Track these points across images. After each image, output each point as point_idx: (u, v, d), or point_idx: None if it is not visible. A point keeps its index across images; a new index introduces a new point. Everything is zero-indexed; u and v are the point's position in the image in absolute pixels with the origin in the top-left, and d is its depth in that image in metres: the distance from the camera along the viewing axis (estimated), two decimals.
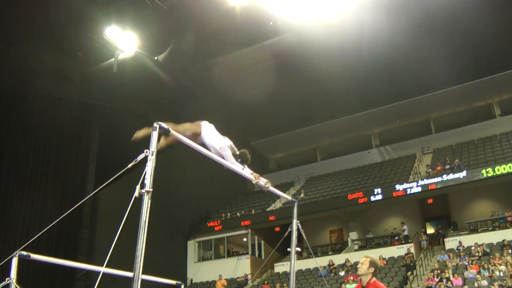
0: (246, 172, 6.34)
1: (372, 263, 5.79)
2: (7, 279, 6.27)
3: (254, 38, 26.04)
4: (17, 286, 6.29)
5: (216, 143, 6.27)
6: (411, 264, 23.39)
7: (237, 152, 6.52)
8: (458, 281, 20.21)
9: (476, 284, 19.23)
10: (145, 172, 3.97)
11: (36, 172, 26.08)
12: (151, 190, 3.93)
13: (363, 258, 5.90)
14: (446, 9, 24.12)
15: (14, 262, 6.36)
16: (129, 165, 4.33)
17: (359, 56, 26.81)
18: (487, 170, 25.38)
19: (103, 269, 4.80)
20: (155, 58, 26.53)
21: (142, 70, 26.40)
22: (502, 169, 24.95)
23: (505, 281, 18.81)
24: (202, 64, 27.89)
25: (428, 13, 24.53)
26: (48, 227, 5.21)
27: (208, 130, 6.40)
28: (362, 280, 5.81)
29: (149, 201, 3.89)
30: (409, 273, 22.68)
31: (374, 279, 5.76)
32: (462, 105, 34.65)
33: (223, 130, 6.53)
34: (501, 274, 19.70)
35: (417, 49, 27.92)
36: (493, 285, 18.80)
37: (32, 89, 25.13)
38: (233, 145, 6.54)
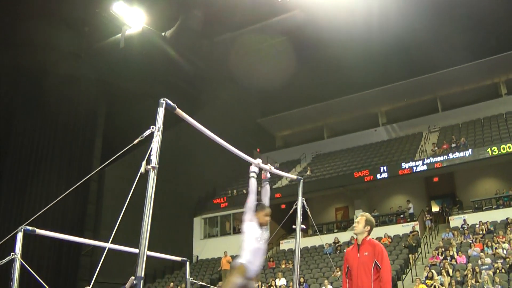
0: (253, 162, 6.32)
1: (368, 222, 5.91)
2: (12, 253, 6.30)
3: (262, 15, 25.91)
4: (22, 261, 6.33)
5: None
6: (414, 245, 23.38)
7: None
8: (462, 258, 20.27)
9: (479, 262, 19.28)
10: (151, 148, 3.97)
11: (42, 148, 26.19)
12: (157, 166, 3.94)
13: (358, 217, 5.99)
14: None
15: (19, 237, 6.39)
16: (135, 141, 4.34)
17: (368, 34, 26.66)
18: (493, 148, 25.31)
19: (108, 245, 4.83)
20: (163, 34, 26.43)
21: (149, 46, 26.35)
22: (507, 147, 24.87)
23: (508, 259, 18.86)
24: (210, 41, 27.80)
25: None
26: (53, 202, 5.23)
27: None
28: (357, 239, 5.91)
29: (155, 177, 3.90)
30: (411, 255, 22.66)
31: (369, 237, 5.87)
32: (469, 84, 34.46)
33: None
34: (505, 251, 19.74)
35: (426, 27, 27.77)
36: (497, 262, 18.86)
37: (38, 64, 25.09)
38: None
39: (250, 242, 5.91)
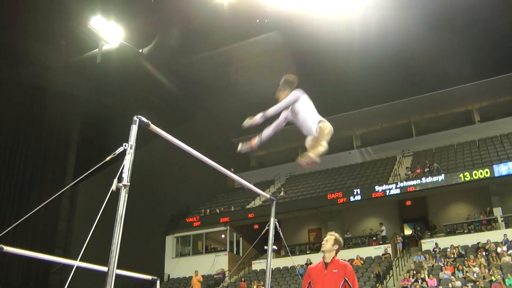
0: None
1: (337, 241, 5.96)
2: None
3: (240, 35, 26.00)
4: None
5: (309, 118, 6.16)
6: (382, 274, 23.35)
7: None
8: (433, 281, 20.38)
9: (450, 285, 19.42)
10: (123, 165, 3.93)
11: (14, 162, 25.77)
12: (129, 184, 3.89)
13: (327, 236, 6.03)
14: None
15: None
16: (107, 158, 4.29)
17: (346, 57, 26.88)
18: (465, 174, 25.66)
19: (77, 263, 4.74)
20: (140, 50, 26.36)
21: (126, 62, 26.22)
22: (479, 173, 25.24)
23: (478, 283, 19.00)
24: (187, 59, 27.78)
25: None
26: (23, 218, 5.13)
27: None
28: (325, 257, 5.93)
29: (126, 195, 3.85)
30: (377, 285, 22.64)
31: (337, 257, 5.90)
32: (443, 110, 34.99)
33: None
34: (475, 275, 19.91)
35: (400, 53, 28.10)
36: (467, 286, 19.00)
37: (12, 77, 24.82)
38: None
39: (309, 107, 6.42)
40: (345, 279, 5.64)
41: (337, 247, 5.92)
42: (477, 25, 26.40)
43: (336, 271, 5.73)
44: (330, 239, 5.94)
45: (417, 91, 32.16)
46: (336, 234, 6.05)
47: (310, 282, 5.90)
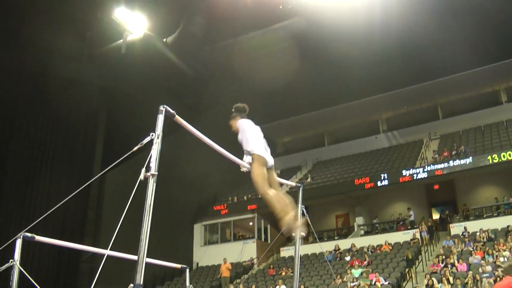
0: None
1: None
2: (10, 260, 6.25)
3: (264, 21, 25.94)
4: (21, 268, 6.28)
5: (244, 144, 6.13)
6: (411, 258, 23.15)
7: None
8: (462, 266, 20.20)
9: (480, 270, 19.23)
10: (151, 155, 3.96)
11: (43, 153, 26.12)
12: (157, 173, 3.92)
13: None
14: None
15: (18, 243, 6.32)
16: (134, 148, 4.32)
17: (369, 41, 26.73)
18: (493, 156, 25.34)
19: (108, 252, 4.80)
20: (164, 40, 26.45)
21: (151, 52, 26.36)
22: (507, 155, 24.90)
23: None
24: (211, 47, 27.82)
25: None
26: (53, 209, 5.20)
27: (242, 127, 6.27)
28: None
29: (154, 184, 3.88)
30: (406, 270, 22.44)
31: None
32: (469, 91, 34.49)
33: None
34: (505, 259, 19.68)
35: (428, 34, 27.86)
36: (497, 270, 18.80)
37: (39, 68, 25.09)
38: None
39: (251, 134, 6.05)
40: None
41: None
42: (499, 2, 25.97)
43: None
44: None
45: (442, 73, 31.77)
46: None
47: None
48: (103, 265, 4.37)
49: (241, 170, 6.18)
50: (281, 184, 6.65)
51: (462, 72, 31.67)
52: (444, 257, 21.40)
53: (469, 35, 27.06)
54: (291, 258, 26.83)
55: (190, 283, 10.51)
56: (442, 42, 28.79)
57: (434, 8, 24.95)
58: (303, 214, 7.19)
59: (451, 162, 26.45)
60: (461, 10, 25.99)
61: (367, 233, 28.89)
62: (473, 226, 24.52)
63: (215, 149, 5.33)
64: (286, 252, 28.66)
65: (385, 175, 27.92)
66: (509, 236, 21.99)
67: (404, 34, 26.94)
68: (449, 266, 20.39)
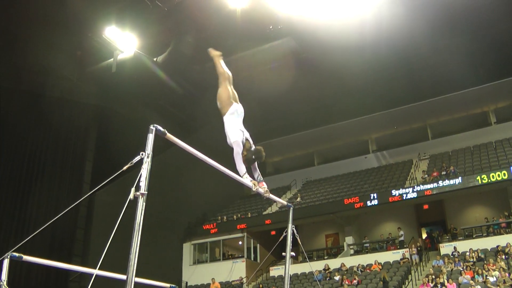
0: (246, 179, 6.28)
1: None
2: None
3: (254, 41, 26.03)
4: None
5: (231, 136, 6.19)
6: (389, 281, 23.04)
7: (252, 148, 6.49)
8: (452, 286, 20.23)
9: None
10: (140, 174, 3.96)
11: (31, 172, 25.94)
12: (146, 193, 3.92)
13: None
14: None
15: (6, 263, 6.28)
16: (125, 167, 4.32)
17: (360, 61, 26.88)
18: (482, 176, 25.44)
19: (96, 271, 4.77)
20: (155, 59, 26.50)
21: (141, 71, 26.39)
22: (496, 175, 25.01)
23: (498, 287, 18.83)
24: (201, 66, 27.85)
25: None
26: (42, 228, 5.18)
27: (229, 118, 6.34)
28: None
29: (144, 204, 3.87)
30: None
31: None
32: (458, 112, 34.70)
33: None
34: (495, 279, 19.73)
35: (417, 56, 28.07)
36: None
37: (29, 87, 25.06)
38: (249, 139, 6.48)
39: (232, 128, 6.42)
40: None
41: None
42: (492, 25, 26.26)
43: None
44: None
45: (432, 94, 31.97)
46: None
47: None
48: (91, 284, 4.34)
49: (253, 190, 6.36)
50: (272, 202, 6.74)
51: (451, 93, 31.82)
52: (434, 276, 21.43)
53: (459, 57, 27.30)
54: (281, 278, 26.75)
55: None
56: (432, 63, 29.03)
57: (425, 30, 25.12)
58: (293, 234, 7.19)
59: (440, 182, 26.53)
60: (451, 32, 26.24)
61: (357, 252, 28.87)
62: (463, 246, 24.57)
63: (208, 162, 5.33)
64: (275, 271, 28.56)
65: (375, 195, 27.95)
66: (499, 256, 22.05)
67: (395, 55, 27.17)
68: (439, 285, 20.42)
